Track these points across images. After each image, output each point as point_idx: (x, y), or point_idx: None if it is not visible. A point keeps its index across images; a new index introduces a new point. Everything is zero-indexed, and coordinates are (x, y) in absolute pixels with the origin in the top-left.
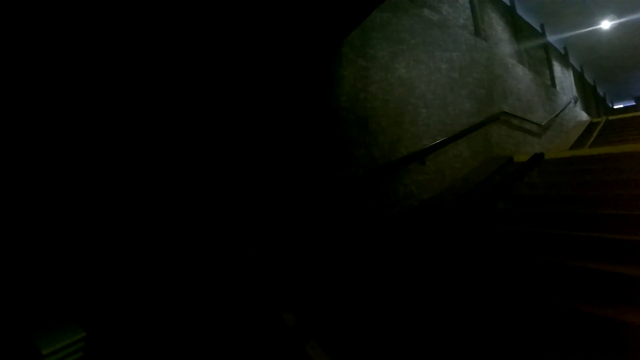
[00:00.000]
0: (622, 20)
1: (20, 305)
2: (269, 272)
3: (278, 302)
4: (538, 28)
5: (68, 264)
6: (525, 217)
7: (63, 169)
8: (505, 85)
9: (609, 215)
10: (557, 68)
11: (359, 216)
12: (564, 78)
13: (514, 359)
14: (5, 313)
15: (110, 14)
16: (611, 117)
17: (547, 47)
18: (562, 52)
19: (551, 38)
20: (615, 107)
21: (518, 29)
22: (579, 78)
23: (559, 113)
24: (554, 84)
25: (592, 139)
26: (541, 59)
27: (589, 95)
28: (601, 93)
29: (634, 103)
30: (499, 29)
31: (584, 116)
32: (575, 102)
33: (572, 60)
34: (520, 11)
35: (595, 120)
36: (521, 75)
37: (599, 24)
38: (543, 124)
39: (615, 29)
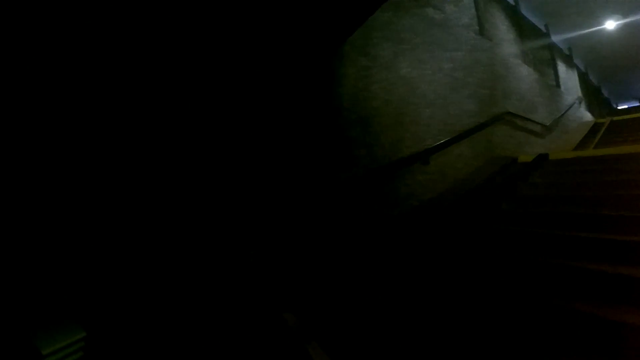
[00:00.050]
0: (627, 20)
1: (20, 305)
2: (269, 272)
3: (279, 303)
4: (542, 28)
5: (68, 264)
6: (529, 218)
7: (63, 169)
8: (509, 86)
9: (614, 217)
10: (562, 68)
11: (360, 216)
12: (568, 78)
13: (515, 359)
14: (5, 313)
15: (111, 13)
16: (615, 118)
17: (551, 47)
18: (567, 52)
19: (555, 38)
20: (619, 107)
21: (522, 28)
22: (583, 78)
23: (563, 113)
24: (558, 85)
25: (596, 140)
26: (545, 59)
27: (593, 95)
28: (605, 93)
29: (638, 104)
30: (503, 29)
31: (588, 117)
32: (580, 102)
33: (576, 61)
34: (524, 11)
35: (599, 120)
36: (525, 76)
37: (604, 24)
38: (547, 124)
39: (620, 29)
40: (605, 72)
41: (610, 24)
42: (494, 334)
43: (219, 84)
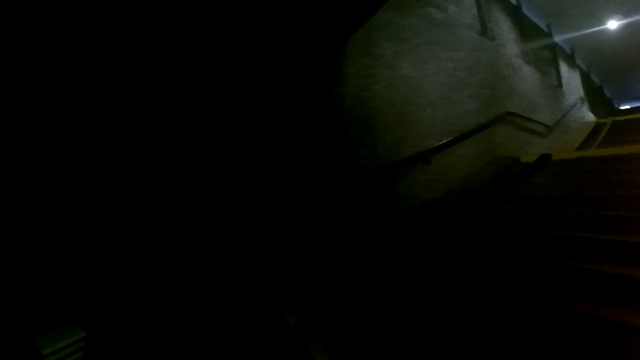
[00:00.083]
0: (629, 20)
1: (20, 306)
2: (270, 272)
3: (280, 303)
4: (544, 28)
5: (68, 264)
6: (532, 218)
7: (63, 170)
8: (511, 86)
9: (616, 217)
10: (564, 68)
11: (362, 216)
12: (570, 78)
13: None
14: (5, 313)
15: (111, 13)
16: (618, 118)
17: (553, 47)
18: (569, 52)
19: (558, 38)
20: (621, 108)
21: (524, 28)
22: (586, 78)
23: (565, 114)
24: (560, 85)
25: (598, 140)
26: (548, 59)
27: (595, 95)
28: (607, 94)
29: None
30: (505, 29)
31: (590, 117)
32: (582, 102)
33: (578, 61)
34: (526, 11)
35: (601, 121)
36: (527, 76)
37: (606, 24)
38: (550, 124)
39: (622, 29)
40: (608, 72)
41: (613, 24)
42: (495, 334)
43: (222, 84)
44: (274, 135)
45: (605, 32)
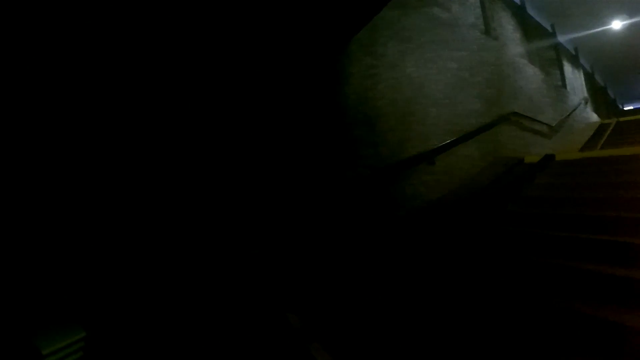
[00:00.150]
0: (634, 20)
1: (20, 306)
2: (273, 272)
3: (282, 303)
4: (548, 28)
5: (68, 264)
6: (535, 219)
7: (64, 170)
8: (515, 86)
9: (619, 218)
10: (568, 68)
11: (365, 216)
12: (574, 79)
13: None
14: (5, 313)
15: (112, 13)
16: (622, 119)
17: (557, 48)
18: (573, 52)
19: (562, 38)
20: (625, 108)
21: (528, 28)
22: (590, 79)
23: (569, 114)
24: (564, 85)
25: (602, 141)
26: (552, 59)
27: (599, 96)
28: (611, 94)
29: None
30: (509, 29)
31: (594, 117)
32: (586, 103)
33: (582, 61)
34: (530, 11)
35: (605, 121)
36: (531, 76)
37: (610, 24)
38: (553, 125)
39: (626, 29)
40: (612, 72)
41: (617, 24)
42: (496, 334)
43: (225, 83)
44: (278, 134)
45: (609, 32)
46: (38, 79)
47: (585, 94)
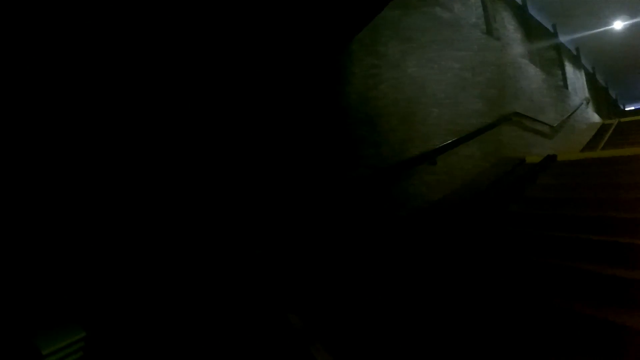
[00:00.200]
0: (635, 20)
1: (20, 306)
2: (274, 272)
3: (283, 303)
4: (550, 28)
5: (68, 264)
6: (537, 219)
7: (63, 169)
8: (517, 86)
9: (621, 219)
10: (569, 69)
11: (367, 216)
12: (575, 79)
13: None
14: (5, 313)
15: (111, 13)
16: (623, 119)
17: (559, 48)
18: (574, 52)
19: (563, 38)
20: (627, 109)
21: (530, 28)
22: (591, 79)
23: (570, 114)
24: (565, 85)
25: (604, 141)
26: (553, 59)
27: (600, 96)
28: (613, 94)
29: None
30: (510, 29)
31: (595, 118)
32: (587, 103)
33: (584, 61)
34: (532, 11)
35: (607, 122)
36: (533, 76)
37: (612, 24)
38: (555, 125)
39: (627, 29)
40: (613, 73)
41: (618, 25)
42: (497, 335)
43: (226, 83)
44: (279, 134)
45: (611, 33)
46: (38, 79)
47: (587, 94)
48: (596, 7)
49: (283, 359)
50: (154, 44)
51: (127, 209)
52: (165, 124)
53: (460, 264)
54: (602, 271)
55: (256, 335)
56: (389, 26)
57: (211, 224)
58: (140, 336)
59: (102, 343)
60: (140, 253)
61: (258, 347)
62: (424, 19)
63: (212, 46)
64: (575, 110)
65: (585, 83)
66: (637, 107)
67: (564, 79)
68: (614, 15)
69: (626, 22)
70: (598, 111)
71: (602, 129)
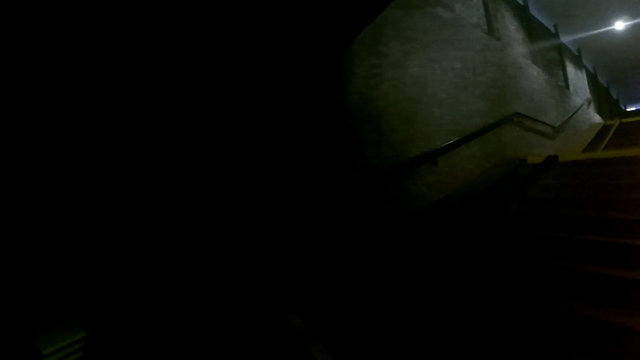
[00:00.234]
0: (636, 21)
1: (20, 306)
2: (275, 272)
3: (284, 303)
4: (551, 28)
5: (68, 264)
6: (539, 220)
7: (63, 170)
8: (518, 86)
9: (623, 220)
10: (571, 69)
11: (369, 217)
12: (577, 79)
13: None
14: (5, 313)
15: (112, 13)
16: (624, 120)
17: (560, 48)
18: (576, 53)
19: (564, 39)
20: (628, 109)
21: (531, 29)
22: (592, 80)
23: (572, 115)
24: (567, 86)
25: (605, 142)
26: (554, 59)
27: (602, 97)
28: (614, 95)
29: None
30: (512, 29)
31: (597, 118)
32: (589, 104)
33: (585, 62)
34: (533, 11)
35: (608, 122)
36: (534, 76)
37: (613, 24)
38: (556, 125)
39: (629, 29)
40: (614, 73)
41: (620, 25)
42: (498, 335)
43: (228, 84)
44: (281, 134)
45: (612, 33)
46: (38, 78)
47: (588, 95)
48: (597, 7)
49: (284, 359)
50: (157, 43)
51: (128, 209)
52: (166, 124)
53: (462, 264)
54: (603, 272)
55: (257, 335)
56: (391, 26)
57: (212, 224)
58: (140, 336)
59: (102, 343)
60: (141, 253)
61: (259, 348)
62: (425, 19)
63: (216, 47)
64: (576, 111)
65: (586, 83)
66: (639, 107)
67: (566, 79)
68: (616, 15)
69: (628, 23)
70: (599, 112)
71: (603, 130)
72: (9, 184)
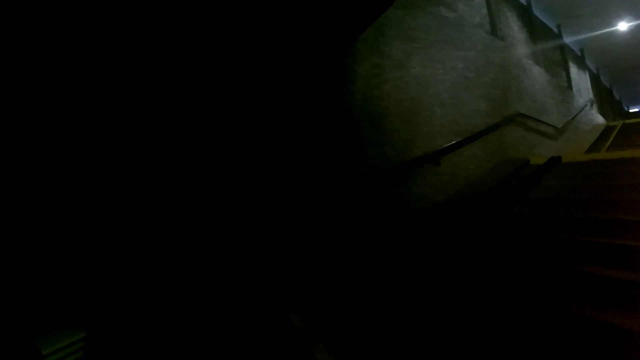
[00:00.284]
0: None
1: (20, 306)
2: (277, 272)
3: (286, 304)
4: (554, 29)
5: (68, 264)
6: (541, 221)
7: (63, 169)
8: (521, 86)
9: (626, 221)
10: (574, 70)
11: (370, 217)
12: (580, 80)
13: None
14: (5, 313)
15: (112, 13)
16: (627, 121)
17: (563, 49)
18: (579, 53)
19: (567, 39)
20: (631, 110)
21: (534, 29)
22: (595, 80)
23: (575, 116)
24: (570, 86)
25: (608, 143)
26: (557, 60)
27: (605, 98)
28: (617, 96)
29: None
30: (515, 29)
31: (600, 119)
32: (592, 104)
33: (588, 62)
34: (536, 11)
35: (611, 123)
36: (537, 77)
37: (616, 25)
38: (559, 126)
39: (632, 30)
40: (617, 74)
41: (623, 26)
42: (499, 336)
43: (232, 83)
44: (284, 134)
45: (616, 34)
46: (38, 78)
47: (591, 96)
48: (601, 8)
49: (285, 359)
50: (159, 43)
51: (129, 209)
52: (168, 124)
53: (464, 265)
54: (604, 273)
55: (258, 336)
56: (393, 26)
57: (213, 223)
58: (140, 336)
59: (102, 343)
60: (141, 253)
61: (260, 348)
62: (428, 19)
63: (217, 45)
64: (579, 112)
65: (589, 84)
66: None
67: (568, 80)
68: (619, 16)
69: (631, 23)
70: (602, 112)
71: (606, 131)
72: (9, 184)
